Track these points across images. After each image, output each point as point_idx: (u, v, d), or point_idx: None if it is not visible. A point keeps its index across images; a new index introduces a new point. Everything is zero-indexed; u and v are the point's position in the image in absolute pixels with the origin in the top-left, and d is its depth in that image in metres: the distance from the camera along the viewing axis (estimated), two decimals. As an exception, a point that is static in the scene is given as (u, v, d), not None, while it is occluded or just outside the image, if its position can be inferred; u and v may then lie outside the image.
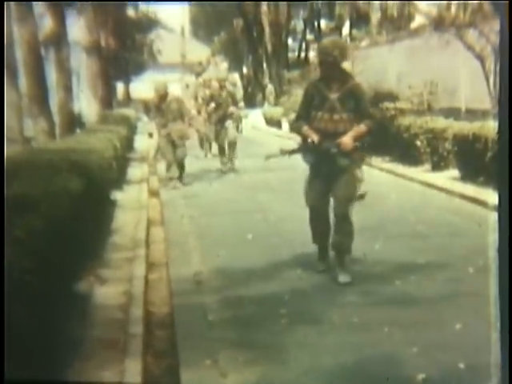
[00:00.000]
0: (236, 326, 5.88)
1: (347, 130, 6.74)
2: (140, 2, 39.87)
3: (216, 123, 15.71)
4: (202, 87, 18.77)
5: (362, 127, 6.76)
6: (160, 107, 13.77)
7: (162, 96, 13.78)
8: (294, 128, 7.31)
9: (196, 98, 18.75)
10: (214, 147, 16.68)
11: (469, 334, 5.29)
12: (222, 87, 15.94)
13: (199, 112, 17.26)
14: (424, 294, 6.44)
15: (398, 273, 6.95)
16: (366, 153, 7.02)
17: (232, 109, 15.77)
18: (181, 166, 13.97)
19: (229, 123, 15.58)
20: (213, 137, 16.35)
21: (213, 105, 15.67)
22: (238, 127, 16.21)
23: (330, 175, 6.83)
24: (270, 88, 14.33)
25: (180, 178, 13.91)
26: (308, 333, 5.62)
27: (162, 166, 14.66)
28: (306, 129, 6.89)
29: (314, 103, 6.87)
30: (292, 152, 7.03)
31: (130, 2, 39.35)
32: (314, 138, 6.77)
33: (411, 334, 5.46)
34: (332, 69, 6.78)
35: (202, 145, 18.04)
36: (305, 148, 6.93)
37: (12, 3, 14.09)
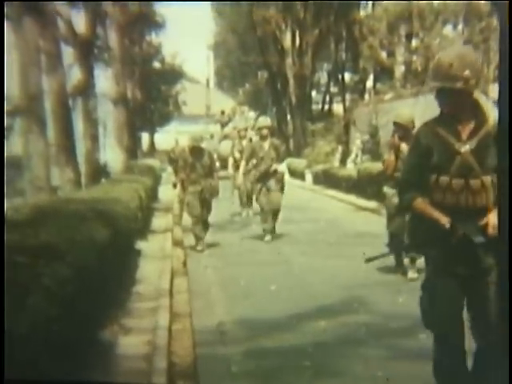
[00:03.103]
0: (259, 378, 5.86)
1: (489, 202, 4.23)
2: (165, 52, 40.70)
3: (256, 182, 13.25)
4: (238, 139, 17.71)
5: None
6: (193, 162, 12.37)
7: (197, 150, 12.46)
8: (404, 202, 4.55)
9: (233, 153, 17.43)
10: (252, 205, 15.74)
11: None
12: (262, 137, 13.29)
13: (237, 167, 15.59)
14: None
15: (423, 327, 6.88)
16: None
17: (275, 166, 13.13)
18: (205, 225, 12.55)
19: (271, 183, 13.02)
20: (254, 197, 14.05)
21: (254, 161, 13.29)
22: (282, 189, 13.24)
23: (465, 278, 4.33)
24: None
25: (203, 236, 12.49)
26: (332, 386, 5.59)
27: (186, 217, 13.52)
28: (422, 204, 4.38)
29: (432, 160, 4.31)
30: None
31: (156, 56, 40.21)
32: (444, 220, 4.22)
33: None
34: (460, 101, 4.32)
35: (241, 202, 16.68)
36: (428, 239, 4.37)
37: (43, 56, 14.41)
